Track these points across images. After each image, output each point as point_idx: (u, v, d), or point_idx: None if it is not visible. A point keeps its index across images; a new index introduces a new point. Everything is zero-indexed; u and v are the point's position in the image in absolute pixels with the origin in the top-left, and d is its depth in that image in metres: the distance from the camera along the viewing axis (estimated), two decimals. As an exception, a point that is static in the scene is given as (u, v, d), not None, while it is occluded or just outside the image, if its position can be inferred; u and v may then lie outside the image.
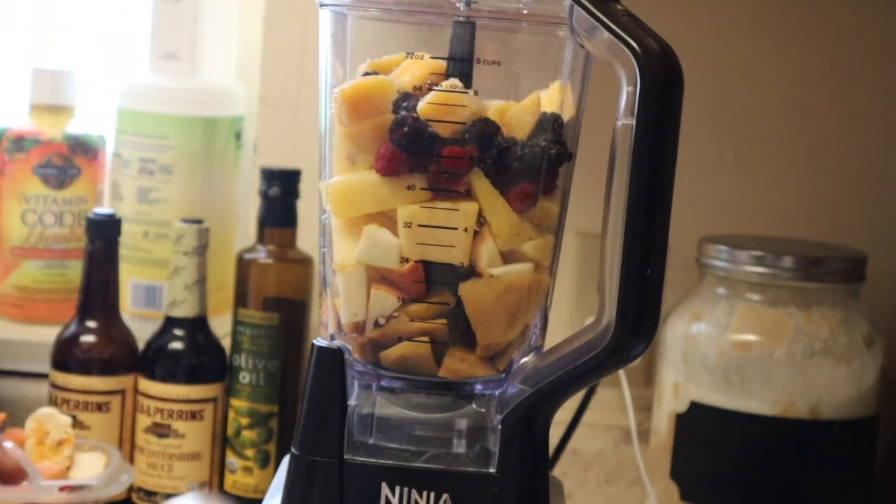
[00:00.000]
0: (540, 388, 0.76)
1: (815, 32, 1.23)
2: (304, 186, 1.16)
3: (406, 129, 0.75)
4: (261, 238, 1.17)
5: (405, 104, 0.75)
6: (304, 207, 1.16)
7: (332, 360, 0.78)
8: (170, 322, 1.16)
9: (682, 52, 0.72)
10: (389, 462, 0.78)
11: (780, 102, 1.24)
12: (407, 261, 0.76)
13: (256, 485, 1.16)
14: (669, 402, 1.09)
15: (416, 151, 0.75)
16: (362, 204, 0.76)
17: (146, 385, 1.16)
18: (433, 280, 0.76)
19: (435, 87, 0.75)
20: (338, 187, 0.77)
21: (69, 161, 1.27)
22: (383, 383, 0.79)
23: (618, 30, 0.72)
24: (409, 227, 0.76)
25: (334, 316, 0.80)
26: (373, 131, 0.76)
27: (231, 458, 1.17)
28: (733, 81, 1.23)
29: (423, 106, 0.75)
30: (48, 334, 1.20)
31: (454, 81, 0.75)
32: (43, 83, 1.27)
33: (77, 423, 1.14)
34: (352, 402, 0.79)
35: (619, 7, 0.73)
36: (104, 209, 1.19)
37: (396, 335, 0.77)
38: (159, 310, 1.23)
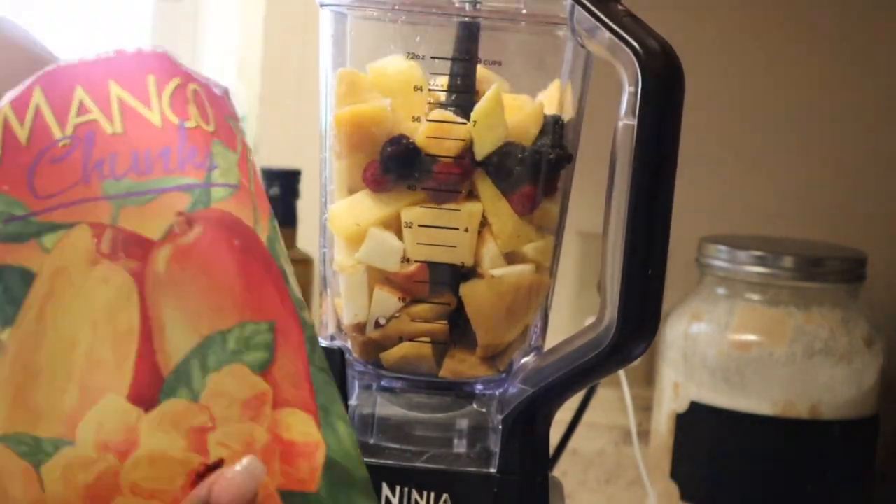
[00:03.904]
0: (540, 388, 0.76)
1: (815, 33, 1.23)
2: (304, 186, 1.16)
3: (398, 149, 0.75)
4: (261, 238, 1.17)
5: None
6: (304, 207, 1.16)
7: (333, 360, 0.78)
8: (170, 322, 1.16)
9: (683, 52, 0.72)
10: (390, 462, 0.78)
11: (781, 103, 1.24)
12: (408, 261, 0.76)
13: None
14: (669, 402, 1.09)
15: (405, 175, 0.76)
16: (365, 215, 0.76)
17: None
18: (434, 280, 0.76)
19: (431, 119, 0.75)
20: (336, 213, 0.78)
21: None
22: (384, 383, 0.79)
23: (619, 30, 0.72)
24: (410, 227, 0.76)
25: (334, 316, 0.80)
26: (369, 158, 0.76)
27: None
28: (734, 81, 1.23)
29: (421, 138, 0.75)
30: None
31: (448, 113, 0.75)
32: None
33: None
34: (352, 402, 0.79)
35: (620, 7, 0.73)
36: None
37: (397, 336, 0.77)
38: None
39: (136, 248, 0.66)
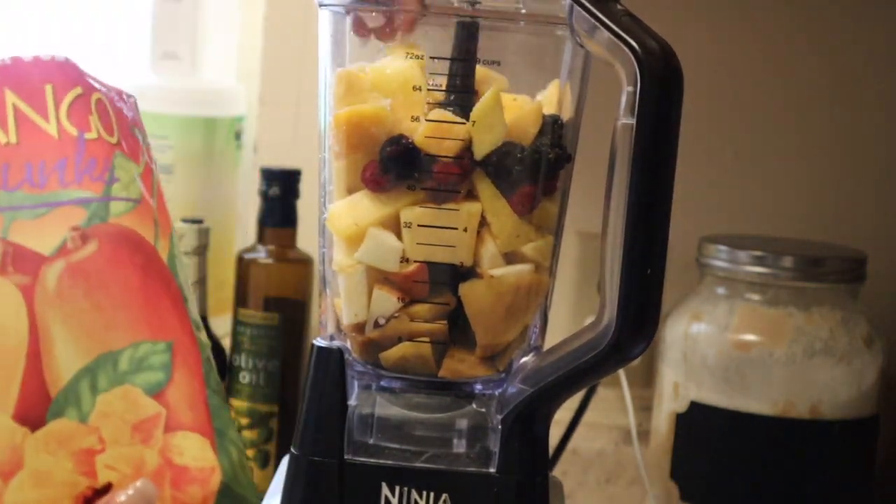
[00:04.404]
0: (540, 387, 0.76)
1: (815, 33, 1.23)
2: (304, 186, 1.16)
3: (397, 149, 0.75)
4: (261, 238, 1.17)
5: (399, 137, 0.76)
6: (304, 207, 1.16)
7: (332, 360, 0.78)
8: (170, 322, 1.16)
9: (681, 52, 0.72)
10: (389, 462, 0.78)
11: (780, 102, 1.24)
12: (407, 261, 0.76)
13: (256, 485, 1.16)
14: (669, 402, 1.09)
15: (405, 174, 0.75)
16: (365, 215, 0.76)
17: (146, 385, 1.16)
18: (434, 280, 0.76)
19: (431, 119, 0.75)
20: (336, 213, 0.77)
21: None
22: (383, 383, 0.79)
23: (618, 29, 0.72)
24: (410, 227, 0.76)
25: (334, 316, 0.80)
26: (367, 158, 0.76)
27: (231, 458, 1.17)
28: (733, 81, 1.23)
29: (420, 138, 0.75)
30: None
31: (447, 113, 0.75)
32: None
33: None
34: (352, 402, 0.79)
35: (619, 7, 0.73)
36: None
37: (397, 335, 0.77)
38: (159, 310, 1.23)
39: (26, 263, 0.64)
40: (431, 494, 0.77)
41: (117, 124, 0.67)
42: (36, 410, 0.63)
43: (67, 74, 0.67)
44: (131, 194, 0.67)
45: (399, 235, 0.76)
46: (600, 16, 0.73)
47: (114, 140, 0.67)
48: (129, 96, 0.70)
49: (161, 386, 0.64)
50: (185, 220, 1.16)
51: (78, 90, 0.67)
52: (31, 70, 0.66)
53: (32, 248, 0.64)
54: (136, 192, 0.67)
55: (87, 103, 0.67)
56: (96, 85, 0.68)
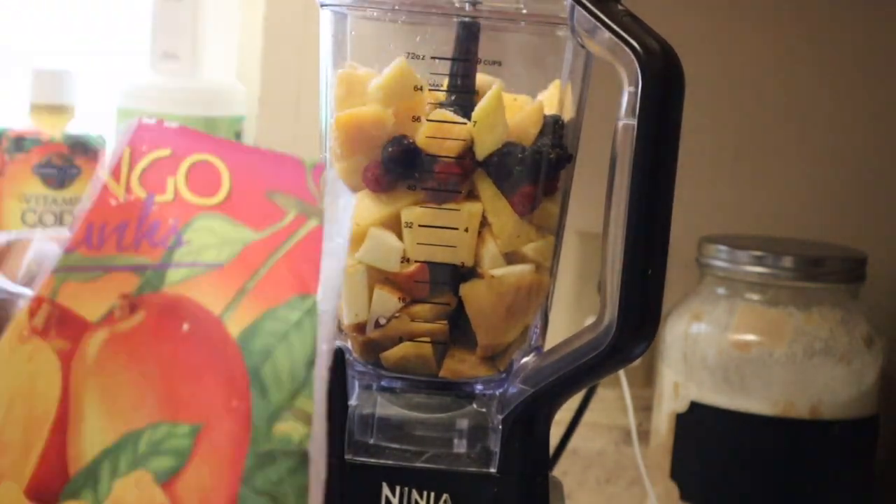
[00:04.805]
0: (541, 387, 0.76)
1: (816, 32, 1.23)
2: (304, 186, 1.16)
3: (399, 149, 0.75)
4: (261, 238, 1.17)
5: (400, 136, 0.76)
6: (304, 207, 1.16)
7: (333, 360, 0.78)
8: (170, 322, 1.16)
9: (682, 52, 0.72)
10: (390, 462, 0.78)
11: (781, 102, 1.24)
12: (408, 261, 0.76)
13: None
14: (669, 402, 1.09)
15: (406, 175, 0.75)
16: (365, 215, 0.76)
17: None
18: (434, 280, 0.76)
19: (432, 119, 0.75)
20: None
21: (69, 161, 1.27)
22: (384, 383, 0.79)
23: (619, 30, 0.72)
24: (410, 227, 0.76)
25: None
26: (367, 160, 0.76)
27: (231, 458, 1.17)
28: (734, 81, 1.23)
29: (421, 138, 0.75)
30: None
31: (448, 113, 0.75)
32: (43, 83, 1.27)
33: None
34: (352, 402, 0.79)
35: (619, 7, 0.73)
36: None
37: (397, 335, 0.77)
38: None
39: (69, 328, 0.60)
40: (432, 494, 0.77)
41: (237, 188, 0.62)
42: (51, 488, 0.58)
43: (154, 138, 0.63)
44: (206, 258, 0.60)
45: (400, 235, 0.76)
46: (601, 16, 0.73)
47: (213, 202, 0.62)
48: (314, 164, 0.63)
49: (172, 473, 0.58)
50: (185, 220, 1.15)
51: (165, 152, 0.62)
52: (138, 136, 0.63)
53: (78, 312, 0.60)
54: (222, 257, 0.61)
55: (175, 165, 0.62)
56: (212, 149, 0.63)
